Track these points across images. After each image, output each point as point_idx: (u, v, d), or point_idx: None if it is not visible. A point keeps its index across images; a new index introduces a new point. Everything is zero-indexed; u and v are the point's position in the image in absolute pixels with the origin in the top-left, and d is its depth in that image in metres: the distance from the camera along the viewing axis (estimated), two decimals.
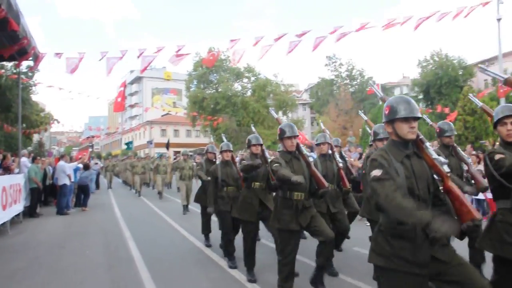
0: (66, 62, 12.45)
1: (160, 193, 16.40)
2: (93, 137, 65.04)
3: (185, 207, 11.95)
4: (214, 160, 7.81)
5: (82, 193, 13.39)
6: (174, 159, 20.31)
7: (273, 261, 5.32)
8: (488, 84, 41.91)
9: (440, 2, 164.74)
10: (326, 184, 4.12)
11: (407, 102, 2.58)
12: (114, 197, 17.61)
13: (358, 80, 48.16)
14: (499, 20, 13.88)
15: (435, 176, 2.58)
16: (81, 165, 13.84)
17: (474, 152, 10.82)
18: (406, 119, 2.53)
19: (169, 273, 5.70)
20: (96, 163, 21.97)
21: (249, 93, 41.18)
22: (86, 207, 13.17)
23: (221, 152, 6.20)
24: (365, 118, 6.46)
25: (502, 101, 15.21)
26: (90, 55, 13.09)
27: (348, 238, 6.13)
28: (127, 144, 33.11)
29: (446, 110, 21.05)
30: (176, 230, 9.19)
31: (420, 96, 44.93)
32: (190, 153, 13.53)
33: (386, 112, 2.63)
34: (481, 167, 9.76)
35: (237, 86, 42.17)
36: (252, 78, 42.03)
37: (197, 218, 10.70)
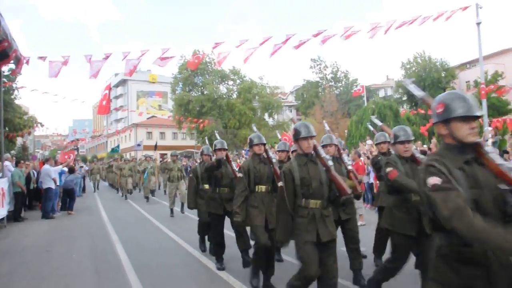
0: (49, 66, 12.40)
1: (147, 197, 16.13)
2: (78, 140, 64.47)
3: (172, 211, 11.74)
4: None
5: (68, 196, 13.29)
6: (161, 161, 20.26)
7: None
8: (470, 85, 42.66)
9: (422, 6, 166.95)
10: (349, 190, 3.74)
11: (465, 99, 2.18)
12: (100, 200, 17.42)
13: (343, 82, 48.61)
14: (478, 24, 14.16)
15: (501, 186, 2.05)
16: (66, 169, 13.72)
17: None
18: (466, 118, 2.14)
19: (158, 276, 5.70)
20: (81, 167, 21.65)
21: (234, 96, 41.23)
22: (72, 210, 13.07)
23: (215, 150, 6.07)
24: (380, 123, 5.89)
25: (484, 102, 15.51)
26: (74, 59, 13.01)
27: (365, 257, 5.67)
28: (113, 149, 32.63)
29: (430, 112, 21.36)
30: (163, 233, 9.18)
31: (404, 98, 45.60)
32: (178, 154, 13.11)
33: (439, 111, 2.23)
34: None
35: (222, 89, 42.19)
36: (238, 81, 42.10)
37: (185, 221, 10.78)
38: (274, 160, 5.09)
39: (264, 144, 5.19)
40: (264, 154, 5.16)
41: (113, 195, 20.21)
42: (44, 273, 6.08)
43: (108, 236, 8.89)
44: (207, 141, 6.67)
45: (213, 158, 7.20)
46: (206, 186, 6.43)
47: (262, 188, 5.06)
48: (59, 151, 71.69)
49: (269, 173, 5.07)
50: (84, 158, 58.83)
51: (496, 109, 35.01)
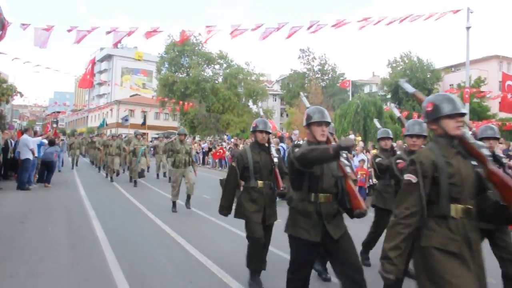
0: (34, 34, 12.10)
1: (135, 181, 14.07)
2: (58, 112, 63.31)
3: (175, 204, 9.34)
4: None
5: (46, 169, 13.06)
6: (152, 140, 19.43)
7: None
8: (453, 88, 43.27)
9: (412, 6, 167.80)
10: (364, 205, 3.16)
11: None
12: (78, 176, 16.92)
13: (330, 75, 48.73)
14: (468, 28, 14.34)
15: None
16: (46, 141, 13.47)
17: None
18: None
19: (134, 255, 5.67)
20: (62, 140, 20.91)
21: (220, 80, 41.00)
22: (49, 183, 12.87)
23: (255, 131, 4.60)
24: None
25: (467, 106, 15.77)
26: (58, 29, 12.63)
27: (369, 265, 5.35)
28: (101, 124, 31.45)
29: (415, 115, 21.65)
30: (141, 212, 9.12)
31: (389, 96, 46.02)
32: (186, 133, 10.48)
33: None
34: None
35: (208, 72, 41.89)
36: (224, 65, 41.85)
37: (163, 200, 10.70)
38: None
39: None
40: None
41: (94, 174, 18.81)
42: (17, 244, 5.99)
43: (85, 212, 8.80)
44: (261, 112, 5.38)
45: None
46: (260, 183, 4.54)
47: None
48: (37, 123, 70.44)
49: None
50: (63, 132, 57.91)
51: (477, 114, 35.70)
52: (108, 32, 13.24)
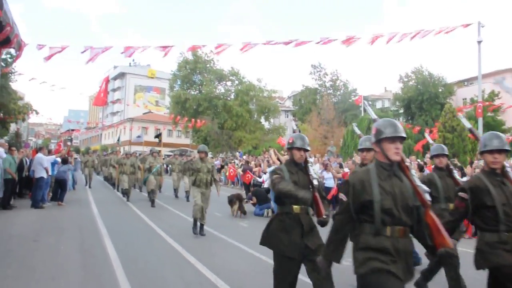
0: (48, 51, 12.38)
1: (153, 200, 13.38)
2: (72, 130, 64.15)
3: (197, 225, 8.59)
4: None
5: (59, 187, 13.18)
6: (165, 157, 19.60)
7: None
8: (466, 102, 42.89)
9: (422, 20, 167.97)
10: (451, 243, 2.72)
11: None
12: (92, 195, 16.81)
13: (342, 91, 48.72)
14: (479, 42, 14.29)
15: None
16: (59, 159, 13.63)
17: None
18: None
19: (145, 274, 5.66)
20: (76, 158, 20.96)
21: (232, 97, 41.25)
22: (63, 202, 12.97)
23: (291, 149, 3.95)
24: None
25: (480, 120, 15.62)
26: (73, 49, 12.92)
27: None
28: (118, 140, 31.59)
29: (427, 131, 21.48)
30: (153, 230, 9.12)
31: (401, 111, 45.78)
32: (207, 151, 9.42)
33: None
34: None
35: (220, 89, 42.19)
36: (236, 82, 42.14)
37: (175, 219, 10.71)
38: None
39: (307, 151, 3.97)
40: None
41: (108, 192, 18.45)
42: (30, 263, 6.03)
43: (97, 230, 8.83)
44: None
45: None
46: (296, 208, 3.80)
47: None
48: (53, 141, 71.40)
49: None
50: (77, 149, 58.56)
51: (491, 128, 35.25)
52: (123, 52, 13.50)
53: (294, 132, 3.74)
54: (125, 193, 14.71)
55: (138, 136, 33.62)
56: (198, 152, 9.22)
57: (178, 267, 6.08)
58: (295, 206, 3.74)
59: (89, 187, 19.62)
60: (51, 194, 13.52)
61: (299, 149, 3.91)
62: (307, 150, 3.97)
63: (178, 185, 16.61)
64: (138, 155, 19.43)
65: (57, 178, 13.22)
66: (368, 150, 4.68)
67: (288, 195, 3.61)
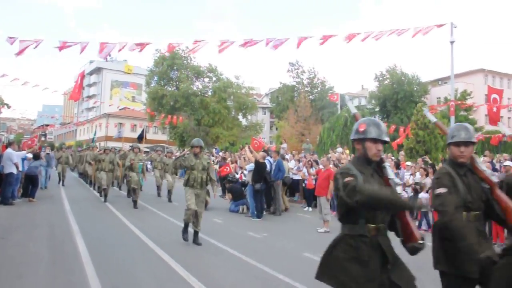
0: (19, 46, 12.06)
1: (135, 201, 12.29)
2: (46, 126, 62.82)
3: (188, 230, 7.55)
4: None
5: (30, 183, 12.89)
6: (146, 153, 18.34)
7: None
8: (440, 101, 43.85)
9: (398, 19, 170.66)
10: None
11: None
12: (65, 191, 16.37)
13: (319, 89, 49.08)
14: (452, 42, 14.58)
15: None
16: (30, 155, 13.32)
17: (423, 166, 11.26)
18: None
19: (116, 271, 5.59)
20: (48, 153, 19.99)
21: (209, 93, 41.06)
22: (34, 198, 12.69)
23: (363, 140, 2.80)
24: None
25: (452, 119, 15.96)
26: (47, 43, 12.63)
27: None
28: (92, 139, 30.48)
29: (401, 129, 21.87)
30: (126, 227, 9.02)
31: (377, 109, 46.48)
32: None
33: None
34: (429, 180, 10.22)
35: (198, 85, 41.93)
36: (214, 79, 41.94)
37: (150, 216, 10.62)
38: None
39: (387, 143, 2.87)
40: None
41: (83, 190, 17.56)
42: None
43: (69, 227, 8.67)
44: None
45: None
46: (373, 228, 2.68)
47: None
48: (26, 136, 69.76)
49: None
50: (52, 145, 57.43)
51: None
52: (101, 49, 13.27)
53: (355, 117, 2.89)
54: (103, 193, 13.52)
55: (119, 131, 32.87)
56: (192, 146, 8.04)
57: (151, 264, 6.02)
58: (371, 226, 2.64)
59: (62, 185, 18.61)
60: (21, 190, 13.21)
61: (375, 140, 2.76)
62: (387, 142, 2.84)
63: (161, 182, 15.75)
64: (117, 151, 18.02)
65: (28, 174, 12.91)
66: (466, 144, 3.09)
67: (385, 202, 2.52)
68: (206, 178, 7.78)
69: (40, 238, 7.54)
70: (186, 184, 7.68)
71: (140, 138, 19.68)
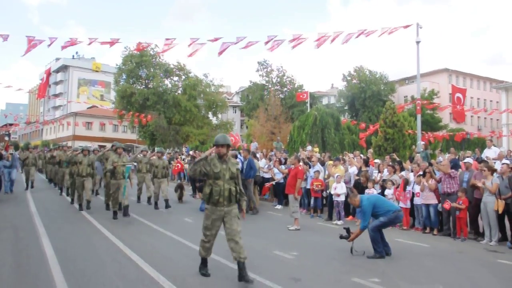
0: None
1: (115, 212, 10.14)
2: (10, 125, 60.85)
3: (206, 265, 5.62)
4: None
5: None
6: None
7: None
8: (407, 100, 44.90)
9: (366, 19, 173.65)
10: None
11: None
12: (30, 192, 15.53)
13: (289, 87, 49.37)
14: (418, 42, 14.96)
15: None
16: None
17: (390, 163, 11.50)
18: None
19: (84, 273, 5.48)
20: (11, 153, 18.76)
21: (179, 92, 40.78)
22: None
23: None
24: None
25: (419, 117, 16.39)
26: (13, 40, 12.30)
27: None
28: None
29: (370, 126, 22.29)
30: (94, 227, 8.86)
31: (346, 107, 47.24)
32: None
33: None
34: (396, 177, 10.46)
35: (167, 83, 41.57)
36: (183, 77, 41.66)
37: (119, 218, 10.43)
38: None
39: None
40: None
41: (53, 195, 15.28)
42: None
43: (34, 229, 8.45)
44: None
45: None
46: None
47: None
48: None
49: None
50: (16, 144, 55.69)
51: (429, 125, 37.15)
52: (65, 47, 12.97)
53: None
54: (86, 206, 11.24)
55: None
56: (216, 145, 5.46)
57: (120, 265, 5.94)
58: None
59: (31, 187, 16.42)
60: None
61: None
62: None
63: (154, 190, 12.65)
64: (93, 151, 13.55)
65: None
66: None
67: None
68: (235, 191, 5.51)
69: (3, 241, 7.31)
70: (208, 201, 5.47)
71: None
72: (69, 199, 13.01)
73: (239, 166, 5.94)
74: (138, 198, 13.30)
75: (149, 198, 12.85)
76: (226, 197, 5.38)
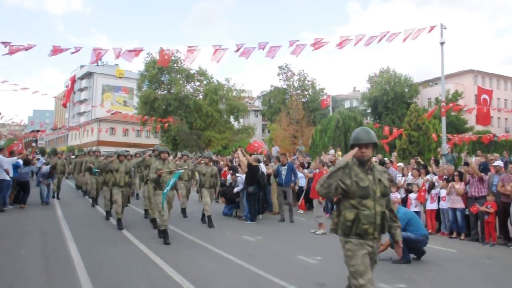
0: (9, 49, 12.00)
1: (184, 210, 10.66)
2: (37, 131, 62.27)
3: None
4: None
5: (22, 189, 12.76)
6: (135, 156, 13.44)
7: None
8: (431, 102, 44.14)
9: (389, 23, 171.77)
10: None
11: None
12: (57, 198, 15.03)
13: (310, 91, 49.14)
14: (442, 44, 14.66)
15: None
16: (21, 161, 13.18)
17: (415, 167, 11.32)
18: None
19: (109, 277, 5.54)
20: (38, 159, 18.92)
21: (200, 97, 41.06)
22: (25, 204, 12.56)
23: None
24: None
25: (443, 119, 16.07)
26: (39, 48, 12.62)
27: None
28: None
29: (394, 130, 21.96)
30: (119, 232, 8.94)
31: (369, 110, 46.71)
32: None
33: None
34: (421, 180, 10.27)
35: (189, 88, 41.91)
36: (204, 82, 41.93)
37: (143, 222, 10.53)
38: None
39: None
40: None
41: (83, 203, 14.30)
42: None
43: (61, 233, 8.59)
44: None
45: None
46: None
47: None
48: (16, 142, 69.10)
49: None
50: (43, 150, 56.93)
51: (455, 127, 36.41)
52: (97, 58, 13.21)
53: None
54: (117, 221, 9.52)
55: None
56: (360, 145, 3.56)
57: (144, 269, 5.98)
58: None
59: (57, 198, 15.00)
60: (13, 196, 13.04)
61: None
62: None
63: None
64: (132, 156, 12.28)
65: (19, 180, 12.78)
66: None
67: None
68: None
69: (31, 245, 7.45)
70: (350, 230, 3.62)
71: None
72: (103, 212, 11.19)
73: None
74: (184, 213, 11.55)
75: (183, 210, 11.51)
76: (378, 225, 3.52)
